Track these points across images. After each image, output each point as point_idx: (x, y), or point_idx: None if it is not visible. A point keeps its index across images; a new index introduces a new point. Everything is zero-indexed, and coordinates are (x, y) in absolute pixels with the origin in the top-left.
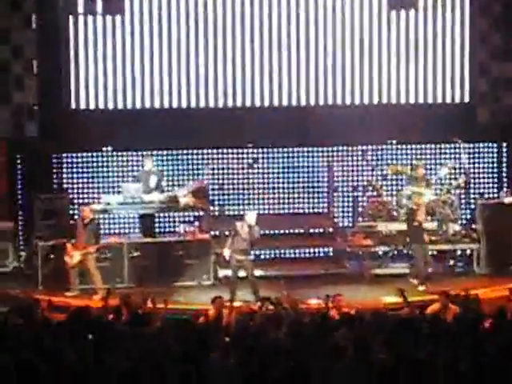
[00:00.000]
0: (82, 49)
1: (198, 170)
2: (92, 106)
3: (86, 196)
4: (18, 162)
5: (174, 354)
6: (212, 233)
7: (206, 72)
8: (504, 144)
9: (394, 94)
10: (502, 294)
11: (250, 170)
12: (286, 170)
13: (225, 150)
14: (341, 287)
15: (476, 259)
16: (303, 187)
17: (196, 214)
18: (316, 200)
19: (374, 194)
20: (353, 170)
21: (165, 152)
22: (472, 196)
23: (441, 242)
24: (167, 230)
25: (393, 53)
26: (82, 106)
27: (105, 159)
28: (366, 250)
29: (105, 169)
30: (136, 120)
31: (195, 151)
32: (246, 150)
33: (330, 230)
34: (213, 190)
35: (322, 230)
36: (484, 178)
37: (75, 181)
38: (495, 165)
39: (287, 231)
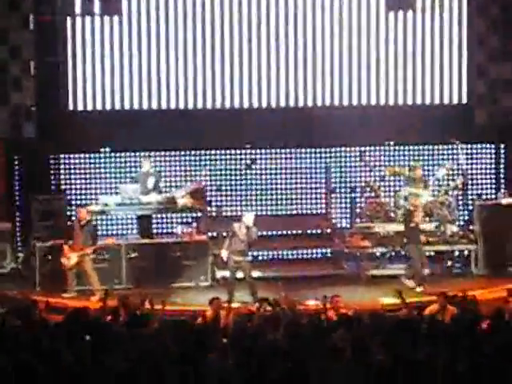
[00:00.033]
0: (80, 50)
1: (195, 171)
2: (90, 107)
3: (83, 197)
4: (16, 162)
5: (172, 355)
6: (210, 234)
7: (204, 73)
8: (502, 145)
9: (392, 95)
10: (500, 295)
11: (248, 171)
12: (283, 171)
13: (223, 151)
14: (339, 288)
15: (474, 260)
16: (301, 188)
17: (194, 215)
18: (314, 201)
19: (372, 195)
20: (351, 171)
21: (162, 153)
22: (470, 197)
23: (438, 243)
24: (165, 231)
25: (391, 54)
26: (80, 106)
27: (102, 160)
28: (364, 251)
29: (102, 170)
30: (134, 121)
31: (193, 152)
32: (243, 151)
33: (328, 231)
34: (210, 191)
35: (319, 231)
36: (482, 179)
37: (73, 182)
38: (493, 166)
39: (285, 232)
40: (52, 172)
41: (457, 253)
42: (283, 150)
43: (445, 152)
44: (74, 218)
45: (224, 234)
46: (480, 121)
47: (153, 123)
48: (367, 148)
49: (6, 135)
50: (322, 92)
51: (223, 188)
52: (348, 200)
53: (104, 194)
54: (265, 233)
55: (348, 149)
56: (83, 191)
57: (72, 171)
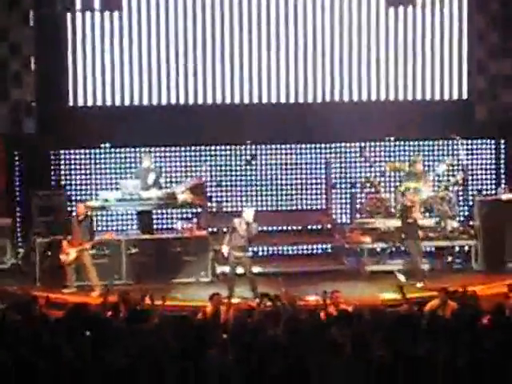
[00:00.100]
0: (80, 45)
1: (196, 166)
2: (90, 103)
3: (83, 193)
4: (16, 158)
5: (172, 350)
6: (210, 229)
7: (204, 68)
8: (502, 141)
9: (393, 90)
10: (500, 290)
11: (248, 167)
12: (284, 167)
13: (223, 147)
14: (339, 284)
15: (474, 256)
16: (301, 184)
17: (194, 210)
18: (314, 196)
19: (372, 190)
20: (351, 167)
21: (163, 149)
22: (470, 193)
23: (439, 239)
24: (165, 226)
25: (391, 49)
26: (80, 102)
27: (103, 156)
28: (364, 247)
29: (103, 165)
30: (134, 117)
31: (193, 148)
32: (243, 147)
33: (328, 226)
34: (211, 186)
35: (320, 227)
36: (482, 174)
37: (73, 177)
38: (493, 162)
39: (285, 228)
40: (52, 168)
41: (457, 248)
42: (283, 146)
43: (445, 148)
44: (73, 214)
45: (224, 229)
46: (480, 116)
47: (153, 119)
48: (367, 143)
49: (6, 131)
50: (322, 87)
51: (223, 184)
52: (348, 195)
53: (104, 189)
54: (265, 228)
55: (348, 144)
56: (83, 187)
57: (72, 167)
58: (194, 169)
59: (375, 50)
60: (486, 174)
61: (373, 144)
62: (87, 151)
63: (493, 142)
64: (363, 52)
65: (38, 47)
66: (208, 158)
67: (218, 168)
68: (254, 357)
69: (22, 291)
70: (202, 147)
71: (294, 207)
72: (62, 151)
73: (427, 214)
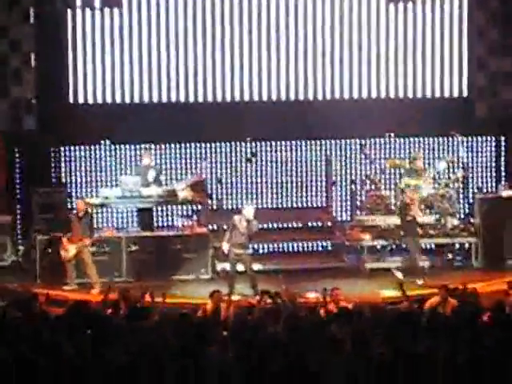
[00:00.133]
0: (80, 42)
1: (196, 163)
2: (90, 100)
3: (84, 190)
4: (17, 155)
5: (172, 347)
6: (210, 227)
7: (205, 65)
8: (502, 138)
9: (393, 87)
10: (500, 287)
11: (249, 164)
12: (284, 164)
13: (223, 144)
14: (339, 281)
15: (474, 253)
16: (301, 181)
17: (194, 207)
18: (314, 194)
19: (373, 187)
20: (351, 164)
21: (163, 146)
22: (470, 190)
23: (439, 236)
24: (165, 223)
25: (391, 46)
26: (81, 99)
27: (103, 153)
28: (364, 244)
29: (103, 163)
30: (134, 114)
31: (193, 145)
32: (244, 144)
33: (329, 223)
34: (211, 183)
35: (320, 224)
36: (482, 171)
37: (73, 174)
38: (493, 159)
39: (285, 225)
40: (52, 165)
41: (457, 246)
42: (283, 143)
43: (445, 145)
44: (73, 211)
45: (225, 226)
46: (480, 113)
47: (153, 116)
48: (368, 141)
49: (6, 128)
50: (323, 85)
51: (224, 181)
52: (348, 193)
53: (104, 186)
54: (265, 225)
55: (348, 141)
56: (84, 184)
57: (72, 164)
58: (194, 166)
59: (375, 48)
60: (486, 171)
61: (373, 141)
62: (87, 148)
63: (493, 139)
64: (363, 49)
65: (39, 44)
66: (208, 155)
67: (219, 165)
68: (254, 354)
69: (22, 288)
70: (203, 144)
71: (295, 204)
72: (62, 148)
73: (427, 212)
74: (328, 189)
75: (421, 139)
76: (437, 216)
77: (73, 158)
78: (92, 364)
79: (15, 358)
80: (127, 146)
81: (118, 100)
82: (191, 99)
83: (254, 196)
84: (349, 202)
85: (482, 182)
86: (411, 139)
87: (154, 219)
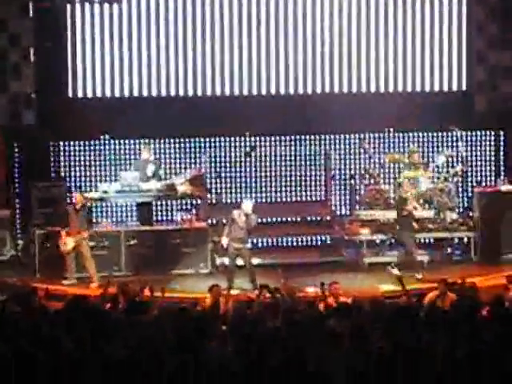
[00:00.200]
0: (80, 37)
1: (195, 158)
2: (89, 94)
3: (83, 184)
4: (16, 150)
5: (172, 342)
6: (209, 221)
7: (204, 60)
8: (501, 132)
9: (392, 82)
10: (499, 281)
11: (248, 158)
12: (283, 158)
13: (222, 138)
14: (338, 275)
15: (473, 247)
16: (300, 175)
17: (193, 202)
18: (313, 188)
19: (372, 182)
20: (350, 158)
21: (162, 140)
22: (469, 184)
23: (438, 230)
24: (164, 218)
25: (390, 41)
26: (80, 94)
27: (102, 147)
28: (363, 238)
29: (102, 157)
30: (134, 108)
31: (192, 139)
32: (243, 139)
33: (328, 218)
34: (210, 178)
35: (319, 218)
36: (481, 166)
37: (72, 169)
38: (492, 153)
39: (285, 219)
40: (52, 159)
41: (456, 240)
42: (283, 137)
43: (444, 139)
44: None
45: (224, 221)
46: (480, 108)
47: (153, 110)
48: (367, 135)
49: (5, 122)
50: (322, 79)
51: (223, 175)
52: (347, 187)
53: (104, 181)
54: (264, 220)
55: (348, 136)
56: (83, 178)
57: (72, 158)
58: (193, 160)
59: (374, 42)
60: (485, 166)
61: (372, 135)
62: (87, 143)
63: (492, 133)
64: (362, 43)
65: (38, 39)
66: (207, 149)
67: (218, 159)
68: (253, 348)
69: (21, 283)
70: (202, 139)
71: (294, 199)
72: (61, 143)
73: (426, 206)
74: (327, 183)
75: (420, 133)
76: (436, 210)
77: (72, 153)
78: (91, 358)
79: (14, 352)
80: (126, 141)
81: (117, 94)
82: (190, 93)
83: (253, 190)
84: (348, 197)
85: (481, 176)
86: (410, 133)
87: (153, 213)
